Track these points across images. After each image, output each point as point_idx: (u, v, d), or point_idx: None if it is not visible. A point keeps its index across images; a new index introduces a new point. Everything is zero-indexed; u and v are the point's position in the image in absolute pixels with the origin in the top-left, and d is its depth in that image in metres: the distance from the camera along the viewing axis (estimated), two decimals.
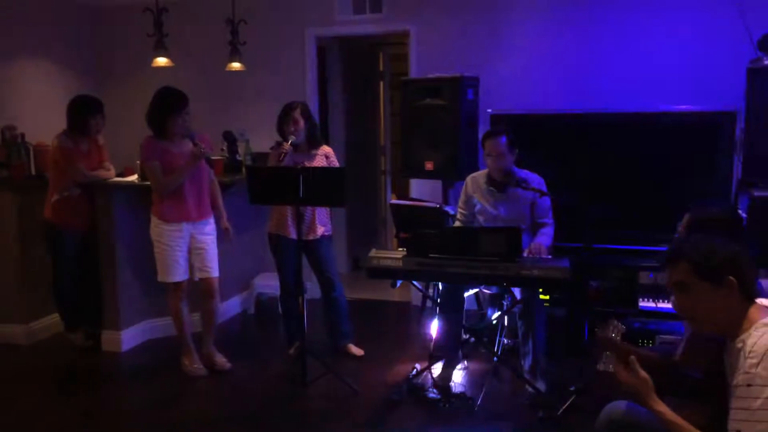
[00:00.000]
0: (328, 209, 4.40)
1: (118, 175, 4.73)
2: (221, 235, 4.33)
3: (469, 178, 4.18)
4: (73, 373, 4.32)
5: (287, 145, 4.06)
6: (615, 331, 2.14)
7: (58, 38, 5.75)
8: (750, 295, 1.96)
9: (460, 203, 4.20)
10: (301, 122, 4.16)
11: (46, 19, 5.59)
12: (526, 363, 3.84)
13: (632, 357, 2.04)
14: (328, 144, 4.47)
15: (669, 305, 4.39)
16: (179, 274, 4.11)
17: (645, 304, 4.47)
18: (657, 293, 4.51)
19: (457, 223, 4.18)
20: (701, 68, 4.71)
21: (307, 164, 4.11)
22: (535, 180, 3.97)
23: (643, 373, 2.02)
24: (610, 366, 2.09)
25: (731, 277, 1.92)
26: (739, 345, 1.90)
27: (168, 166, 3.99)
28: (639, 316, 4.42)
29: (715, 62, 4.68)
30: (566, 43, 5.02)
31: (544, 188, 3.93)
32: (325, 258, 4.37)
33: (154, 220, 4.07)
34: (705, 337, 2.10)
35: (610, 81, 4.92)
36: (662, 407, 1.98)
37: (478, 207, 4.08)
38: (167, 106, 3.97)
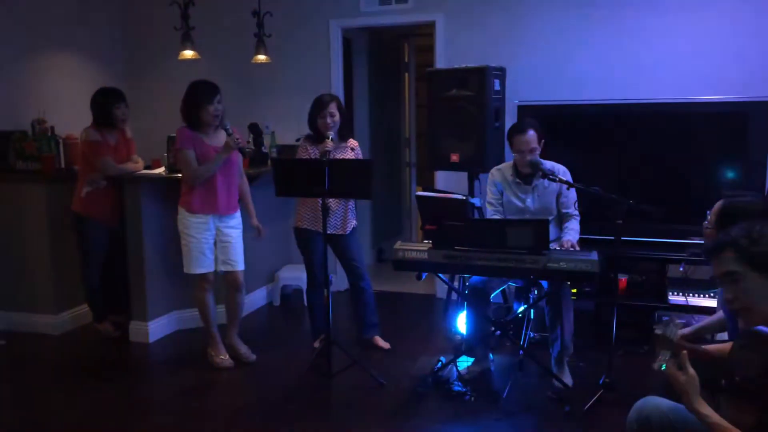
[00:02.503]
0: (353, 201, 4.40)
1: (145, 168, 4.77)
2: (248, 229, 4.35)
3: (495, 170, 4.13)
4: (101, 363, 4.37)
5: (330, 142, 4.04)
6: (674, 330, 2.08)
7: (87, 32, 5.80)
8: None
9: (490, 195, 4.13)
10: (337, 115, 4.17)
11: (75, 13, 5.65)
12: (554, 350, 3.81)
13: (684, 352, 1.96)
14: (353, 136, 4.46)
15: (699, 299, 4.33)
16: (205, 266, 4.13)
17: (675, 298, 4.41)
18: (687, 287, 4.44)
19: (494, 215, 4.08)
20: (733, 58, 4.62)
21: (335, 156, 4.11)
22: (561, 171, 3.92)
23: (692, 371, 1.92)
24: (665, 365, 2.02)
25: None
26: None
27: (201, 157, 4.01)
28: (669, 311, 4.35)
29: (746, 52, 4.59)
30: (594, 33, 4.95)
31: (569, 179, 3.88)
32: (353, 249, 4.37)
33: (182, 212, 4.09)
34: (759, 336, 2.02)
35: (638, 71, 4.84)
36: (706, 410, 1.89)
37: (504, 198, 4.04)
38: (199, 96, 3.99)
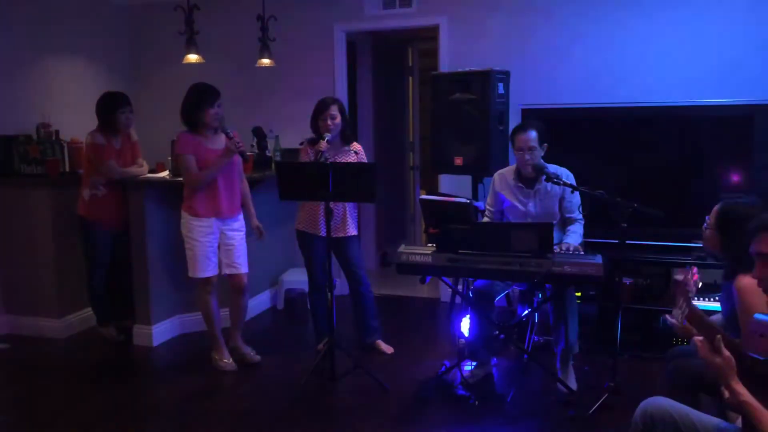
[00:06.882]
0: (356, 205, 4.39)
1: (150, 172, 4.78)
2: (250, 232, 4.35)
3: (496, 175, 4.13)
4: (105, 367, 4.38)
5: (324, 143, 4.04)
6: (692, 279, 2.13)
7: (92, 37, 5.82)
8: None
9: (488, 200, 4.15)
10: (338, 118, 4.17)
11: (80, 18, 5.67)
12: (558, 348, 3.80)
13: (719, 336, 1.98)
14: (357, 140, 4.47)
15: (705, 303, 4.30)
16: (209, 270, 4.13)
17: None
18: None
19: (485, 220, 4.13)
20: (736, 60, 4.61)
21: (338, 160, 4.11)
22: (564, 174, 3.90)
23: (727, 353, 1.95)
24: (685, 321, 2.10)
25: None
26: None
27: (202, 161, 4.02)
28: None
29: (751, 54, 4.58)
30: (598, 36, 4.95)
31: (573, 182, 3.87)
32: (353, 254, 4.36)
33: (185, 216, 4.10)
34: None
35: (643, 74, 4.84)
36: (741, 389, 1.92)
37: (507, 204, 4.02)
38: (199, 100, 4.01)
